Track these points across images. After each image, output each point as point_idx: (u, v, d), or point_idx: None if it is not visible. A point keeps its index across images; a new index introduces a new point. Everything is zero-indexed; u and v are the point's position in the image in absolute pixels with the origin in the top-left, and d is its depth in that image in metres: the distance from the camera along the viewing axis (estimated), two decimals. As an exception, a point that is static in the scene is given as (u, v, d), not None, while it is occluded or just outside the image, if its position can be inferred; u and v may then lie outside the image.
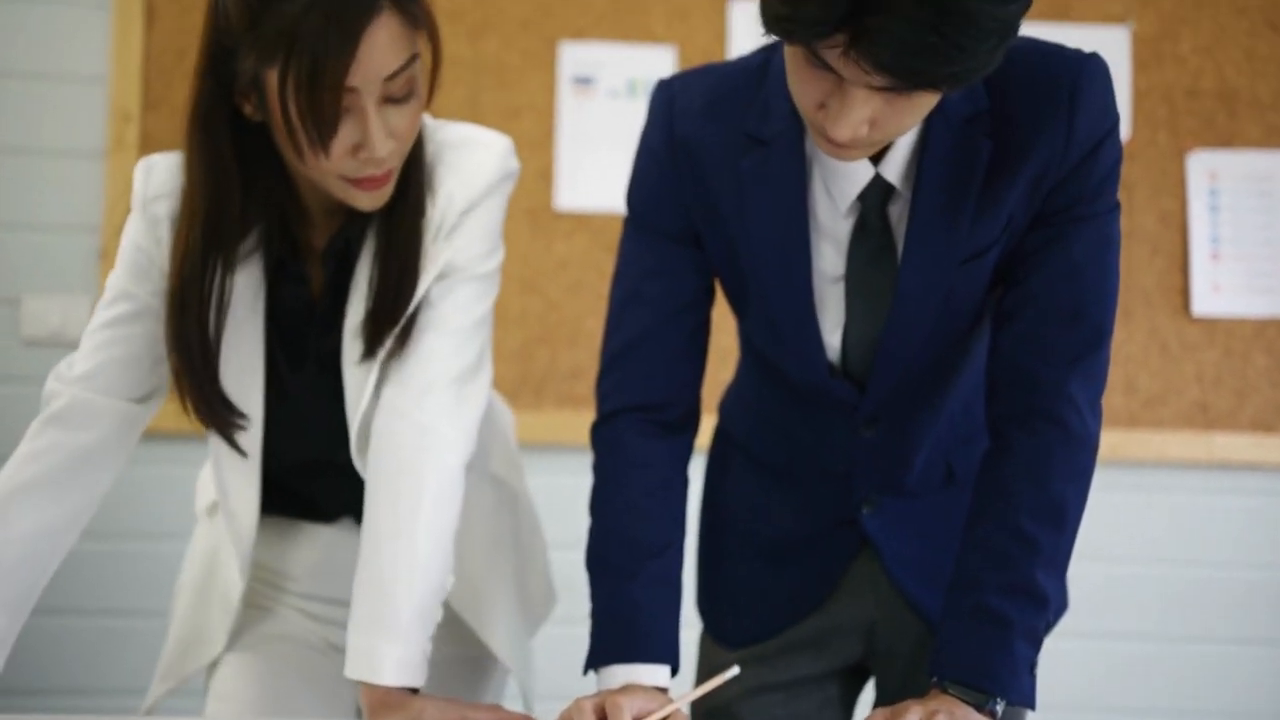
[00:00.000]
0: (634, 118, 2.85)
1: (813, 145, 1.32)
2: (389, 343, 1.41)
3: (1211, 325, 2.86)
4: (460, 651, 1.60)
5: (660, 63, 2.85)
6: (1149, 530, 2.86)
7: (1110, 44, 2.88)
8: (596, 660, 1.35)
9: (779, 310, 1.37)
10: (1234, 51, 2.88)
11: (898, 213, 1.32)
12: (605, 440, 1.44)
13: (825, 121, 1.16)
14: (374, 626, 1.34)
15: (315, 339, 1.47)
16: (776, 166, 1.32)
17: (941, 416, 1.45)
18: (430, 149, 1.43)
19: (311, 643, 1.58)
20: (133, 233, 1.43)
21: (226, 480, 1.48)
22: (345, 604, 1.55)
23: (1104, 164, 1.29)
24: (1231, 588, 2.88)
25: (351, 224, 1.43)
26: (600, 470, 1.44)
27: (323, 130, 1.26)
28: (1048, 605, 1.27)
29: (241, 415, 1.43)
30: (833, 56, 1.08)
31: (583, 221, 2.82)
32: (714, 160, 1.36)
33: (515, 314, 2.80)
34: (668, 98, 1.40)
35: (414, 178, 1.41)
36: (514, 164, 1.48)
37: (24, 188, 2.74)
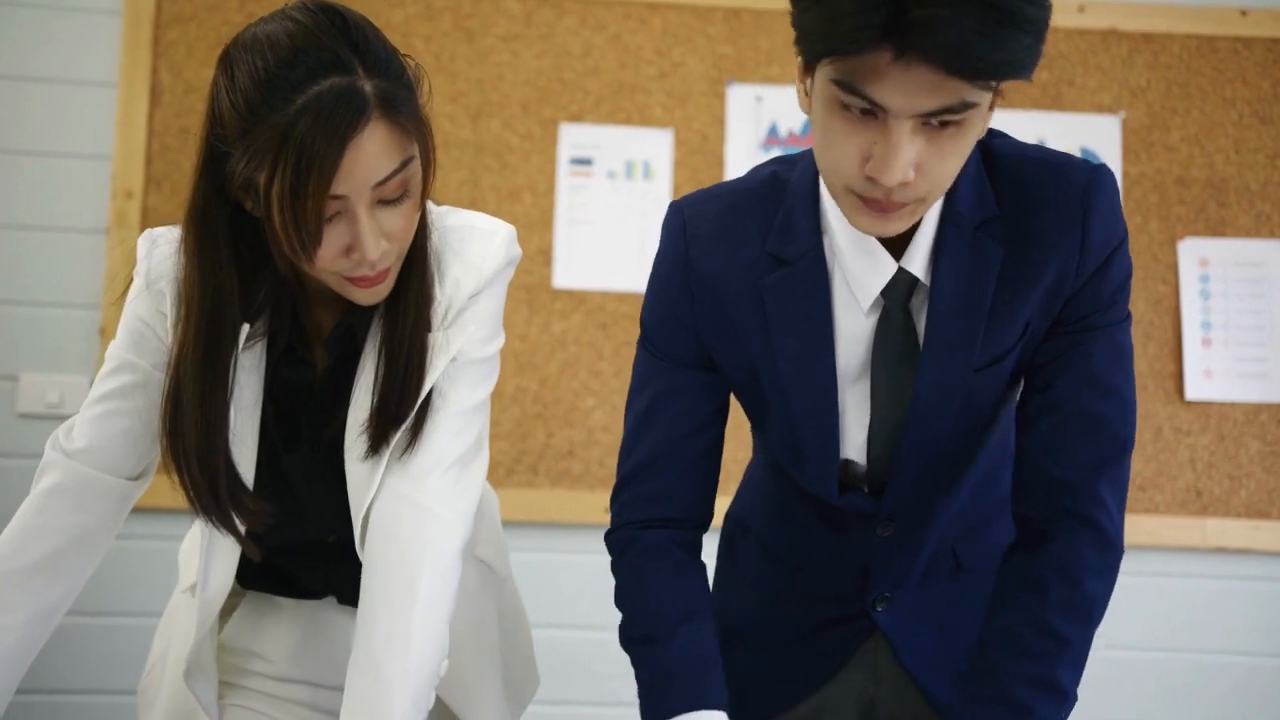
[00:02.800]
0: (631, 199, 2.90)
1: (834, 256, 1.33)
2: (396, 439, 1.40)
3: (1204, 410, 2.88)
4: None
5: (658, 145, 2.89)
6: (1144, 615, 2.86)
7: (1102, 133, 2.92)
8: (657, 717, 1.34)
9: (800, 423, 1.38)
10: (1223, 141, 2.93)
11: (919, 306, 1.34)
12: (619, 541, 1.46)
13: (872, 172, 1.15)
14: (369, 710, 1.33)
15: (312, 422, 1.46)
16: (802, 283, 1.34)
17: (955, 510, 1.47)
18: (435, 236, 1.44)
19: None
20: (136, 305, 1.43)
21: (209, 559, 1.45)
22: (321, 686, 1.54)
23: (1117, 275, 1.31)
24: (1229, 673, 2.88)
25: (356, 310, 1.43)
26: (618, 568, 1.46)
27: (306, 238, 1.26)
28: (1067, 701, 1.30)
29: (260, 506, 1.41)
30: (877, 79, 1.09)
31: (580, 299, 2.84)
32: (733, 282, 1.37)
33: (511, 392, 2.81)
34: (679, 223, 1.41)
35: (418, 268, 1.40)
36: (517, 251, 1.49)
37: (25, 264, 2.76)
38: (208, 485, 1.37)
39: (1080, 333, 1.32)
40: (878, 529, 1.44)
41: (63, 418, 2.68)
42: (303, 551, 1.52)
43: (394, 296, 1.39)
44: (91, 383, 2.68)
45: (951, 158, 1.17)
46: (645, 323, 1.45)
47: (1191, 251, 2.91)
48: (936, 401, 1.33)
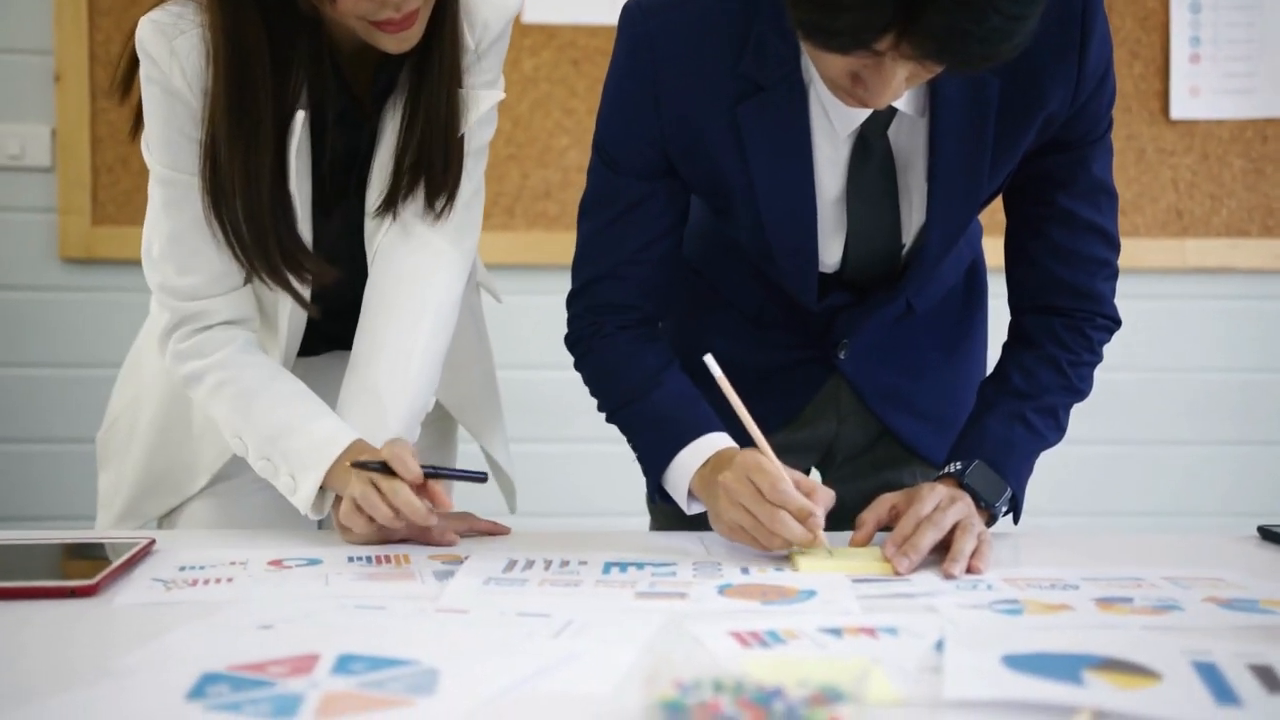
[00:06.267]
0: (600, -76, 2.76)
1: (811, 81, 1.28)
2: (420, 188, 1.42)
3: (1189, 129, 2.83)
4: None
5: None
6: (1126, 336, 2.86)
7: None
8: (663, 460, 1.36)
9: (777, 240, 1.37)
10: None
11: (895, 132, 1.31)
12: (581, 336, 1.46)
13: (860, 91, 1.13)
14: (364, 434, 1.36)
15: (360, 182, 1.46)
16: (778, 109, 1.29)
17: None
18: None
19: None
20: (173, 116, 1.35)
21: (281, 323, 1.47)
22: None
23: (1109, 90, 1.33)
24: (1204, 390, 2.93)
25: (388, 67, 1.40)
26: (583, 356, 1.46)
27: None
28: (1059, 439, 1.42)
29: (315, 262, 1.40)
30: (879, 45, 1.04)
31: (550, 35, 2.75)
32: (704, 103, 1.31)
33: (484, 133, 2.75)
34: (645, 36, 1.32)
35: (450, 17, 1.36)
36: None
37: (-31, 10, 2.66)
38: (256, 244, 1.36)
39: (1080, 148, 1.35)
40: (845, 308, 1.48)
41: (26, 169, 2.64)
42: (347, 310, 1.52)
43: (424, 47, 1.35)
44: (52, 131, 2.62)
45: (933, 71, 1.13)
46: (603, 138, 1.39)
47: (1183, -37, 2.81)
48: (941, 239, 1.38)
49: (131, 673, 0.86)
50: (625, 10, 1.35)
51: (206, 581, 1.14)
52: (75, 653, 0.94)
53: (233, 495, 1.55)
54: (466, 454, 1.75)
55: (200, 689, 0.81)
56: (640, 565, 1.23)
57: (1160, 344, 2.89)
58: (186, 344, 1.40)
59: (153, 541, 1.28)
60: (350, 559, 1.26)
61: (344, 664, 0.86)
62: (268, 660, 0.87)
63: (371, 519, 1.28)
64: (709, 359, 1.24)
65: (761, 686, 0.76)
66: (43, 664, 0.91)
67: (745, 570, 1.21)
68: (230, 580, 1.15)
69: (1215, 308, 2.90)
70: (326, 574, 1.18)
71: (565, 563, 1.24)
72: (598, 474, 2.77)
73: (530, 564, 1.23)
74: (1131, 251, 2.90)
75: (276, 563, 1.23)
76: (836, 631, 0.97)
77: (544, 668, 0.87)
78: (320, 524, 1.51)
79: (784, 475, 1.23)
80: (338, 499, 1.34)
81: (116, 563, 1.16)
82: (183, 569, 1.19)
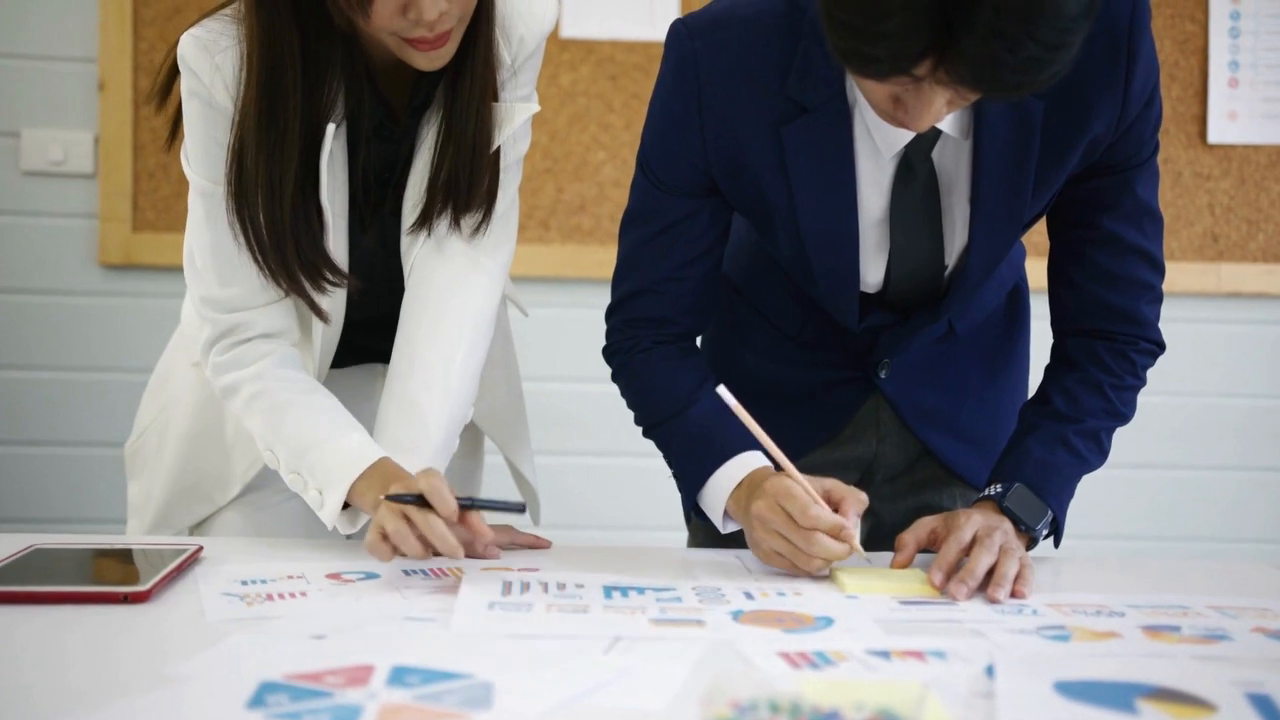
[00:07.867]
0: (640, -59, 2.77)
1: (856, 103, 1.29)
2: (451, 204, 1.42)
3: (1226, 153, 2.82)
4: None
5: (667, -118, 2.75)
6: (1160, 359, 2.86)
7: None
8: (698, 480, 1.36)
9: (818, 261, 1.37)
10: None
11: (939, 154, 1.32)
12: (618, 349, 1.47)
13: (900, 114, 1.14)
14: (407, 447, 1.37)
15: (397, 195, 1.47)
16: (822, 131, 1.30)
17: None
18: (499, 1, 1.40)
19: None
20: (210, 128, 1.37)
21: (313, 335, 1.47)
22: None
23: (1155, 113, 1.33)
24: (1242, 415, 2.91)
25: (424, 81, 1.41)
26: (620, 370, 1.47)
27: None
28: (1101, 463, 1.41)
29: (338, 273, 1.41)
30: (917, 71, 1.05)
31: (588, 50, 2.76)
32: (749, 123, 1.32)
33: (520, 146, 2.76)
34: (690, 55, 1.32)
35: (484, 35, 1.37)
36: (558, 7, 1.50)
37: (19, 19, 2.68)
38: (275, 250, 1.37)
39: (1125, 172, 1.34)
40: (887, 328, 1.48)
41: (69, 175, 2.66)
42: (362, 326, 1.53)
43: (459, 64, 1.36)
44: (95, 138, 2.65)
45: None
46: (649, 157, 1.40)
47: (1223, -13, 2.80)
48: (984, 261, 1.37)
49: (189, 680, 0.87)
50: (672, 29, 1.35)
51: (281, 596, 1.14)
52: (130, 659, 0.95)
53: (264, 505, 1.56)
54: (492, 465, 1.76)
55: (260, 698, 0.82)
56: (641, 590, 1.19)
57: (1193, 368, 2.88)
58: (226, 356, 1.41)
59: (200, 548, 1.29)
60: (406, 572, 1.26)
61: (399, 676, 0.87)
62: (324, 670, 0.88)
63: (400, 551, 1.23)
64: (722, 390, 1.24)
65: (818, 708, 0.76)
66: (98, 670, 0.92)
67: (749, 595, 1.18)
68: (304, 595, 1.15)
69: (1250, 332, 2.88)
70: (399, 589, 1.18)
71: (562, 585, 1.20)
72: (623, 487, 2.77)
73: (526, 587, 1.18)
74: (1167, 275, 2.89)
75: (335, 576, 1.23)
76: (885, 654, 0.98)
77: (599, 684, 0.88)
78: (349, 535, 1.52)
79: (814, 497, 1.23)
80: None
81: (167, 569, 1.17)
82: (244, 583, 1.19)
